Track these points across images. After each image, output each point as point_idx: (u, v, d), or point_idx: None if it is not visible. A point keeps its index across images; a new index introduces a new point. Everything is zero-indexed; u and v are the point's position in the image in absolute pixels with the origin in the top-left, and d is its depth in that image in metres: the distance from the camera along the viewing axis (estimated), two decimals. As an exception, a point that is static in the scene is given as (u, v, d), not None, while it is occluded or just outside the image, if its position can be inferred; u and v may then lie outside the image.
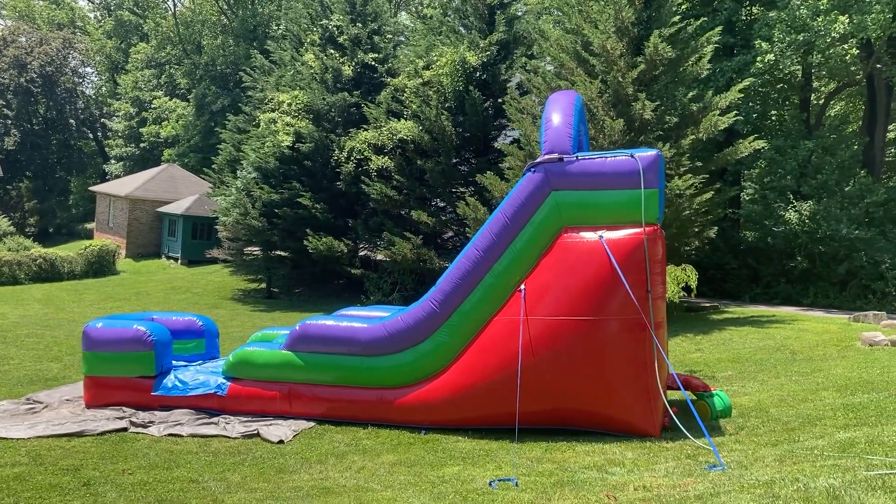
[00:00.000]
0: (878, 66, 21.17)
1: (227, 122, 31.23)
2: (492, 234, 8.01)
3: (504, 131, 22.52)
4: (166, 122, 52.51)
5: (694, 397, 8.57)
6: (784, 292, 20.72)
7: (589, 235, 7.72)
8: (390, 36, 26.48)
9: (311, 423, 8.33)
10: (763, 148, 18.83)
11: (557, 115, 8.15)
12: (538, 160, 7.92)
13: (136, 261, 34.12)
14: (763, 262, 21.42)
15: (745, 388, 10.10)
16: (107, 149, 62.01)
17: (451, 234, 23.01)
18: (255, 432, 7.90)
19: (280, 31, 45.94)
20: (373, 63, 24.87)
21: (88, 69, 65.67)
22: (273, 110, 25.42)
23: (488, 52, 21.09)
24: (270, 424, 8.11)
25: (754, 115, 22.02)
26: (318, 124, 24.11)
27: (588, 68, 16.84)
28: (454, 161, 22.27)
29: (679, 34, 16.46)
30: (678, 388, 7.95)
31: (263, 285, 27.00)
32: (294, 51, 27.99)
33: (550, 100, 8.45)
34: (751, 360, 12.01)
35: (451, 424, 8.06)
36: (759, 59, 19.58)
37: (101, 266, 29.65)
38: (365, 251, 25.30)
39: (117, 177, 54.27)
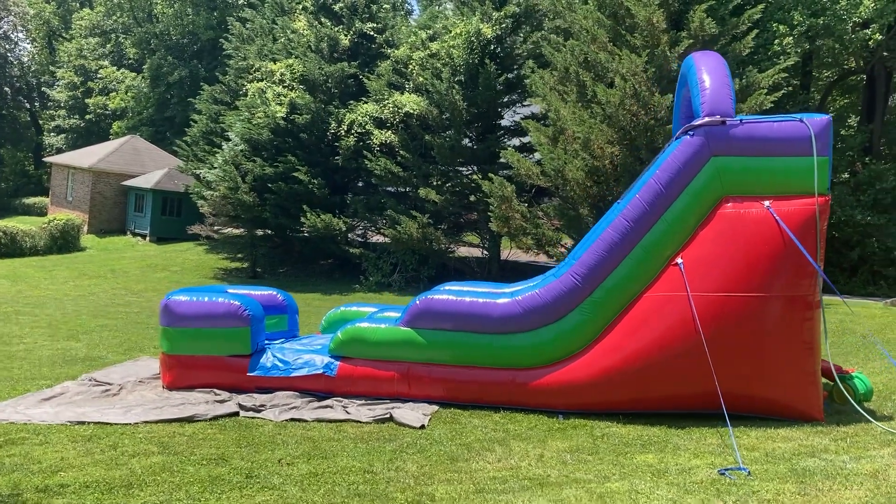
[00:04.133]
0: (885, 53, 21.30)
1: (200, 93, 29.62)
2: (643, 202, 7.37)
3: (514, 107, 21.85)
4: (114, 93, 49.94)
5: (828, 381, 8.18)
6: (790, 277, 20.73)
7: (754, 205, 7.16)
8: (388, 5, 25.44)
9: (435, 407, 7.58)
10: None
11: (710, 75, 7.54)
12: (697, 122, 7.31)
13: (100, 237, 32.18)
14: (769, 247, 21.39)
15: (847, 371, 9.76)
16: (42, 121, 58.77)
17: (454, 211, 22.24)
18: (388, 416, 7.11)
19: (241, 0, 44.26)
20: (371, 33, 23.85)
21: (21, 34, 61.96)
22: (261, 80, 24.17)
23: (503, 25, 20.37)
24: (397, 408, 7.33)
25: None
26: (314, 95, 22.99)
27: (622, 43, 16.34)
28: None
29: (719, 10, 16.11)
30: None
31: (246, 264, 25.77)
32: (279, 18, 26.65)
33: (696, 60, 7.83)
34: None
35: (591, 409, 7.41)
36: (776, 41, 19.42)
37: (65, 242, 27.85)
38: (360, 229, 24.31)
39: (59, 150, 51.38)
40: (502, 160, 20.97)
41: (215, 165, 23.80)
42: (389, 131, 21.40)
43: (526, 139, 21.38)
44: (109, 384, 8.23)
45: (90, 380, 8.50)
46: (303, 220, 21.78)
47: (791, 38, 19.32)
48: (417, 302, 7.83)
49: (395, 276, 21.82)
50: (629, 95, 15.09)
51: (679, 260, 7.25)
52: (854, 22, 18.58)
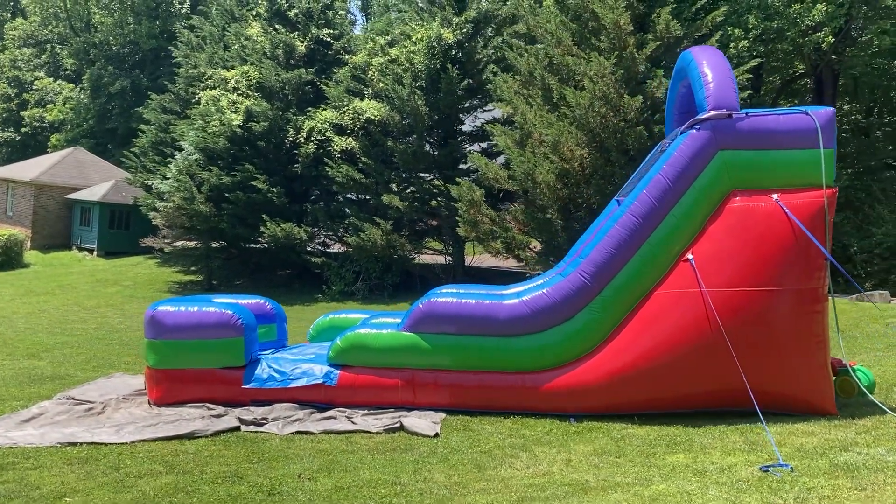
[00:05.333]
0: (833, 56, 21.82)
1: (149, 101, 28.75)
2: (651, 198, 7.24)
3: (475, 112, 21.70)
4: (51, 105, 48.29)
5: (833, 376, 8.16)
6: (750, 277, 21.01)
7: (762, 199, 7.09)
8: (343, 12, 25.08)
9: (443, 414, 7.29)
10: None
11: (712, 69, 7.45)
12: (703, 116, 7.21)
13: (44, 252, 30.86)
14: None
15: (837, 365, 9.81)
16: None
17: (416, 218, 21.95)
18: (398, 425, 6.81)
19: (184, 9, 43.30)
20: (328, 39, 23.45)
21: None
22: (214, 87, 23.55)
23: (463, 30, 20.22)
24: (405, 416, 7.02)
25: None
26: (270, 102, 22.47)
27: (587, 46, 16.34)
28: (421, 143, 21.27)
29: (682, 13, 16.25)
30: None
31: (200, 277, 25.00)
32: (230, 25, 26.07)
33: (696, 55, 7.74)
34: (803, 339, 11.79)
35: (603, 411, 7.22)
36: (731, 45, 19.71)
37: (8, 258, 26.62)
38: (319, 238, 23.81)
39: (-7, 164, 49.43)
40: (464, 165, 20.84)
41: (168, 176, 23.05)
42: (350, 138, 21.04)
43: (486, 144, 21.29)
44: (91, 402, 7.72)
45: (68, 398, 7.96)
46: (263, 229, 21.23)
47: (746, 41, 19.65)
48: (420, 305, 7.55)
49: (359, 284, 21.42)
50: (598, 98, 15.06)
51: (690, 256, 7.14)
52: (807, 25, 18.94)
